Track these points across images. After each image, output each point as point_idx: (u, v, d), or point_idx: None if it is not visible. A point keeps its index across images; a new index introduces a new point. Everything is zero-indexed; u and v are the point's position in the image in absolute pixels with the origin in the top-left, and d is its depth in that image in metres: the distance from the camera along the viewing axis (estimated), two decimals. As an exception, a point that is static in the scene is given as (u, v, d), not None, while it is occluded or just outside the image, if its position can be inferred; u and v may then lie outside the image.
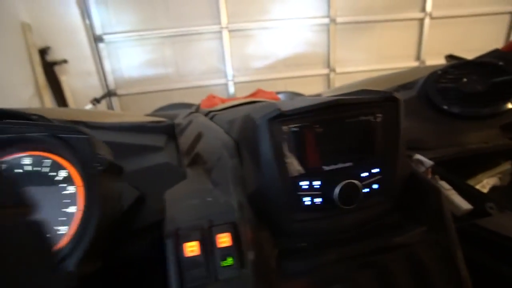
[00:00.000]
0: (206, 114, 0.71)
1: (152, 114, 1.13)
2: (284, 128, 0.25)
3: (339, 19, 2.52)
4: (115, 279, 0.38)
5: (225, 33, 2.45)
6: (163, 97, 2.45)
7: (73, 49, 2.29)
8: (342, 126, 0.26)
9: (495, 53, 0.67)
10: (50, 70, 2.21)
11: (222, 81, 2.59)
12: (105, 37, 2.36)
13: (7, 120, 0.24)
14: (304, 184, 0.26)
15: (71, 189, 0.25)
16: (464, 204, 0.37)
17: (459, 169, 0.51)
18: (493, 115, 0.57)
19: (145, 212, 0.41)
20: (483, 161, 0.56)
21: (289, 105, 0.25)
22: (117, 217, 0.30)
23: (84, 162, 0.25)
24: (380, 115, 0.27)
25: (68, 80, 2.31)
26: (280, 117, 0.24)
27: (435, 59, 2.47)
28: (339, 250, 0.25)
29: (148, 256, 0.39)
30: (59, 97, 2.24)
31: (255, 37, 2.53)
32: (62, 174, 0.26)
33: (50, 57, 2.23)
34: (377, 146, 0.28)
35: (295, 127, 0.25)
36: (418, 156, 0.46)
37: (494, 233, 0.31)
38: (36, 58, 2.11)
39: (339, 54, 2.63)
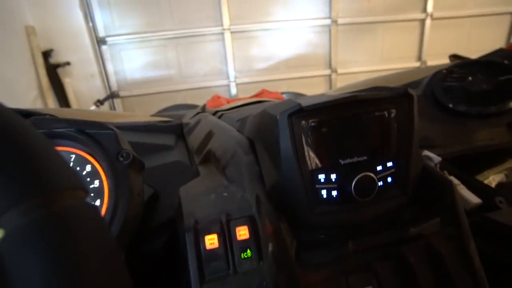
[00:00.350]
0: (214, 114, 0.72)
1: (157, 115, 1.14)
2: (303, 123, 0.26)
3: (340, 20, 2.54)
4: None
5: (227, 35, 2.46)
6: (166, 99, 2.46)
7: (76, 52, 2.31)
8: (358, 121, 0.27)
9: (500, 52, 0.68)
10: (53, 72, 2.23)
11: (224, 82, 2.60)
12: (108, 39, 2.38)
13: (37, 117, 0.25)
14: (322, 177, 0.27)
15: (96, 183, 0.26)
16: (473, 198, 0.37)
17: (466, 166, 0.51)
18: (499, 113, 0.57)
19: (159, 209, 0.42)
20: (489, 158, 0.56)
21: (307, 101, 0.26)
22: (139, 212, 0.30)
23: (110, 157, 0.25)
24: (394, 110, 0.28)
25: (71, 82, 2.33)
26: (299, 112, 0.25)
27: (437, 60, 2.48)
28: (357, 242, 0.26)
29: (162, 254, 0.39)
30: (62, 99, 2.26)
31: (257, 39, 2.54)
32: (87, 168, 0.26)
33: (53, 60, 2.25)
34: (391, 141, 0.29)
35: (313, 122, 0.26)
36: (426, 153, 0.47)
37: (505, 226, 0.32)
38: (40, 60, 2.12)
39: (340, 55, 2.64)
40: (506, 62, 0.62)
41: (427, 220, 0.28)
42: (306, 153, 0.26)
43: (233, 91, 2.63)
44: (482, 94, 0.60)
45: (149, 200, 0.41)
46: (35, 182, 0.10)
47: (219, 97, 1.06)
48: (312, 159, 0.27)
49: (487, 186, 0.42)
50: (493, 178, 0.57)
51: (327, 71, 2.68)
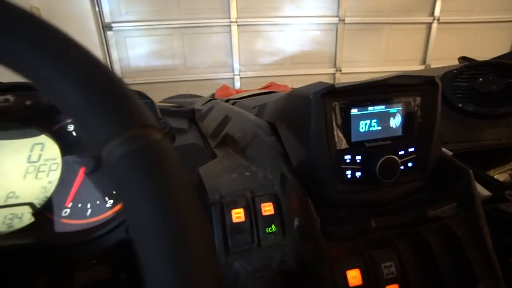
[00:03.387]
0: (226, 102, 0.73)
1: (165, 101, 1.14)
2: (334, 103, 0.27)
3: (348, 19, 2.54)
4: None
5: (234, 28, 2.45)
6: (169, 89, 2.45)
7: (81, 35, 2.27)
8: (386, 105, 0.28)
9: (510, 55, 0.69)
10: (57, 55, 2.21)
11: (229, 75, 2.60)
12: (113, 25, 2.36)
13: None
14: (348, 158, 0.28)
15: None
16: (484, 191, 0.39)
17: (472, 164, 0.53)
18: (507, 114, 0.59)
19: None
20: (496, 158, 0.58)
21: (339, 84, 0.27)
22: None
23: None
24: (419, 98, 0.29)
25: (75, 67, 2.31)
26: (332, 93, 0.26)
27: (440, 64, 2.50)
28: (378, 220, 0.27)
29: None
30: (65, 83, 2.24)
31: (264, 33, 2.54)
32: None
33: (57, 42, 2.23)
34: (415, 127, 0.30)
35: (344, 103, 0.27)
36: (438, 147, 0.48)
37: (515, 216, 0.34)
38: (44, 42, 2.10)
39: (346, 54, 2.65)
40: (516, 65, 0.63)
41: (445, 204, 0.29)
42: (335, 134, 0.28)
43: (237, 84, 2.63)
44: (491, 95, 0.62)
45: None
46: (132, 115, 0.11)
47: (228, 87, 1.07)
48: (340, 139, 0.28)
49: (496, 180, 0.43)
50: (497, 177, 0.59)
51: (332, 70, 2.69)
